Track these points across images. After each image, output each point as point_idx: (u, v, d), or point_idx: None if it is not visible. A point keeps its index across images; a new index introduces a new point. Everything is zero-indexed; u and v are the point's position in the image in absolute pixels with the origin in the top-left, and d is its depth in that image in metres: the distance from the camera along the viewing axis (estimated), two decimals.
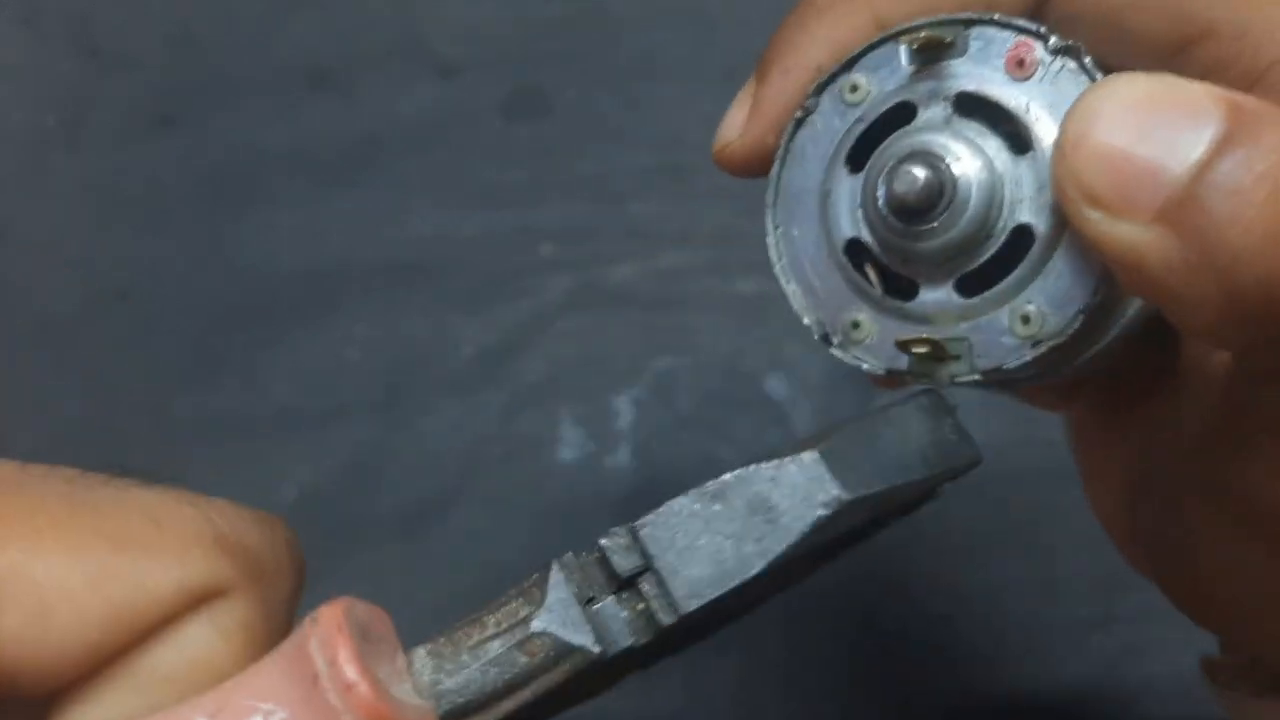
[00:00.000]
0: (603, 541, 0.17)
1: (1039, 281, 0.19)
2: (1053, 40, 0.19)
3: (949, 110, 0.20)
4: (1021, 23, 0.19)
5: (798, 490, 0.17)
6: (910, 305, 0.20)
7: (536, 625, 0.17)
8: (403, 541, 0.43)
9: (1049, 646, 0.40)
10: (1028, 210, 0.19)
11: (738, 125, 0.22)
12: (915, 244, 0.19)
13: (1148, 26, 0.21)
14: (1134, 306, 0.20)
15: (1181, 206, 0.16)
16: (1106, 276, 0.18)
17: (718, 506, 0.17)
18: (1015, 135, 0.19)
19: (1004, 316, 0.19)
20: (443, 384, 0.46)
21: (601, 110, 0.50)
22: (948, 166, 0.19)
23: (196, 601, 0.15)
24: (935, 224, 0.19)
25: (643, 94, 0.50)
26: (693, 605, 0.17)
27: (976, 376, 0.20)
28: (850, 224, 0.20)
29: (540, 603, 0.17)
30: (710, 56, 0.50)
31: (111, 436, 0.45)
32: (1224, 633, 0.25)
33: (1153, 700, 0.39)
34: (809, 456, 0.17)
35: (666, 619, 0.17)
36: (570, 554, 0.17)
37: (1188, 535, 0.21)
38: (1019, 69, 0.19)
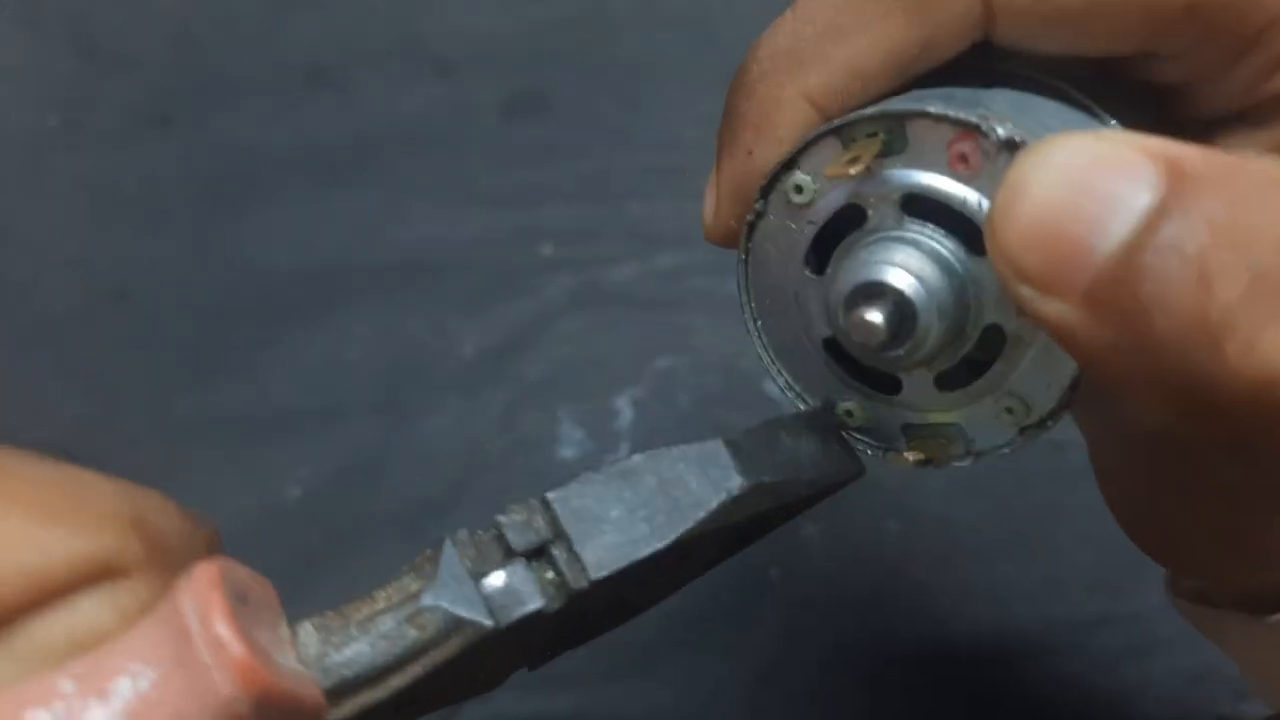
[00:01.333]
0: (499, 518, 0.17)
1: (1017, 374, 0.19)
2: (996, 134, 0.18)
3: (899, 213, 0.19)
4: (958, 115, 0.18)
5: (705, 474, 0.18)
6: (895, 399, 0.20)
7: (427, 599, 0.16)
8: (404, 541, 0.43)
9: (1051, 646, 0.40)
10: (994, 311, 0.19)
11: (710, 209, 0.23)
12: (888, 359, 0.19)
13: (1117, 25, 0.20)
14: None
15: (1107, 289, 0.15)
16: (1082, 372, 0.19)
17: (629, 482, 0.17)
18: (971, 235, 0.19)
19: (989, 408, 0.19)
20: (443, 384, 0.46)
21: (601, 111, 0.50)
22: (904, 299, 0.18)
23: (96, 577, 0.15)
24: (901, 351, 0.19)
25: (643, 94, 0.50)
26: (603, 573, 0.17)
27: (972, 459, 0.20)
28: (825, 324, 0.20)
29: (432, 577, 0.17)
30: (710, 57, 0.50)
31: (112, 436, 0.45)
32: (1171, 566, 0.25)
33: (1153, 700, 0.39)
34: (715, 444, 0.18)
35: (579, 585, 0.17)
36: (464, 530, 0.17)
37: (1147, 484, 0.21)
38: (963, 165, 0.18)
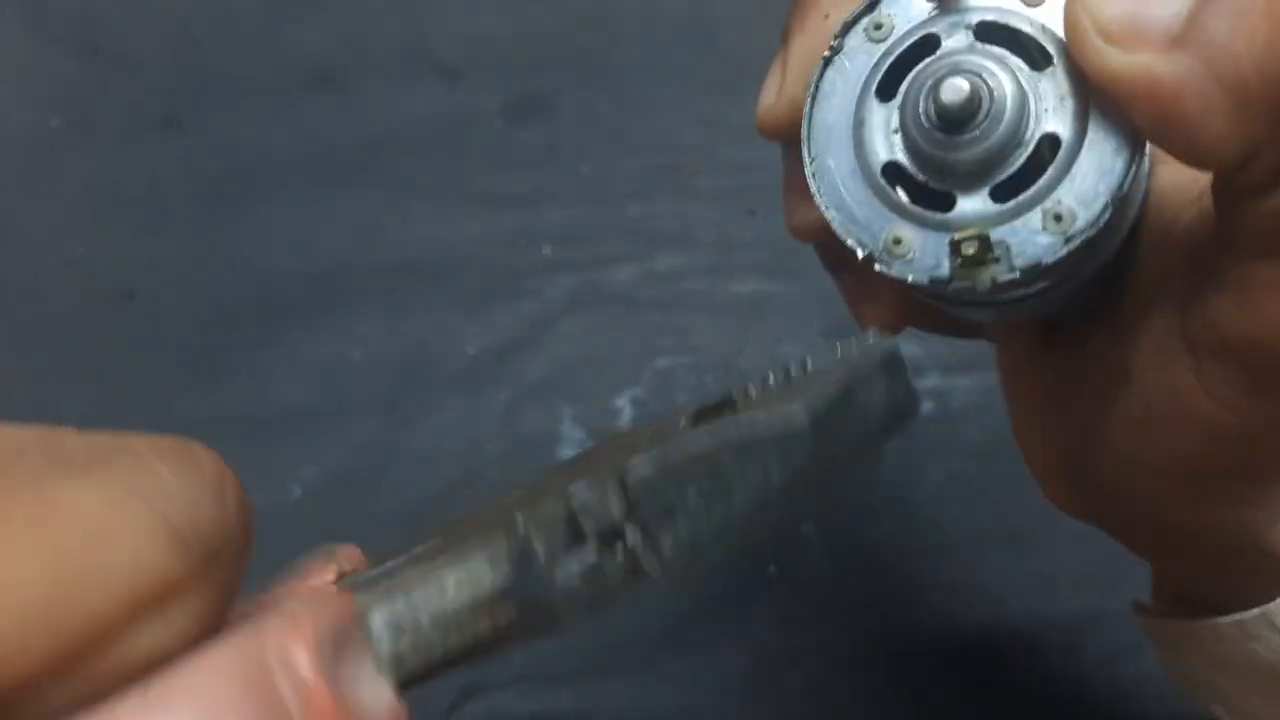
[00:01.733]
0: (571, 488, 0.16)
1: (1067, 182, 0.20)
2: None
3: (971, 38, 0.21)
4: None
5: (784, 453, 0.16)
6: (949, 216, 0.21)
7: (502, 593, 0.15)
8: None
9: (1046, 643, 0.40)
10: (1052, 119, 0.20)
11: (774, 88, 0.23)
12: (954, 154, 0.21)
13: None
14: (1111, 254, 0.22)
15: (1189, 27, 0.17)
16: (1129, 166, 0.20)
17: (705, 461, 0.16)
18: (1034, 54, 0.21)
19: (1037, 218, 0.21)
20: (445, 384, 0.46)
21: (602, 113, 0.50)
22: (985, 80, 0.20)
23: (150, 604, 0.14)
24: (977, 132, 0.20)
25: (642, 97, 0.50)
26: (680, 557, 0.16)
27: (1016, 275, 0.21)
28: (885, 148, 0.22)
29: (503, 563, 0.16)
30: (709, 61, 0.50)
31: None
32: (1164, 548, 0.26)
33: (1147, 698, 0.39)
34: (797, 408, 0.17)
35: (654, 570, 0.16)
36: (530, 512, 0.16)
37: (1139, 409, 0.22)
38: None
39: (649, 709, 0.41)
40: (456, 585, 0.16)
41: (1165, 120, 0.18)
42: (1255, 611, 0.24)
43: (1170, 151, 0.19)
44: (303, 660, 0.13)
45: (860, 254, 0.22)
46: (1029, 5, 0.21)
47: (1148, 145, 0.20)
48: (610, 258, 0.47)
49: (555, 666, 0.41)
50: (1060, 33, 0.20)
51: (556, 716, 0.41)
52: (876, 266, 0.22)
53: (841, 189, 0.22)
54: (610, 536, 0.16)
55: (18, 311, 0.48)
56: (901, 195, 0.22)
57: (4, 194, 0.50)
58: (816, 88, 0.22)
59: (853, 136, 0.22)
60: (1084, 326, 0.25)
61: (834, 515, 0.43)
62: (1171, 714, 0.39)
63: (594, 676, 0.41)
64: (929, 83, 0.21)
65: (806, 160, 0.23)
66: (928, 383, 0.44)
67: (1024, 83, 0.21)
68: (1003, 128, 0.20)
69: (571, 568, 0.15)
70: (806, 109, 0.23)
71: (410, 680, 0.15)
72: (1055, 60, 0.20)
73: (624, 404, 0.45)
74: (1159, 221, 0.23)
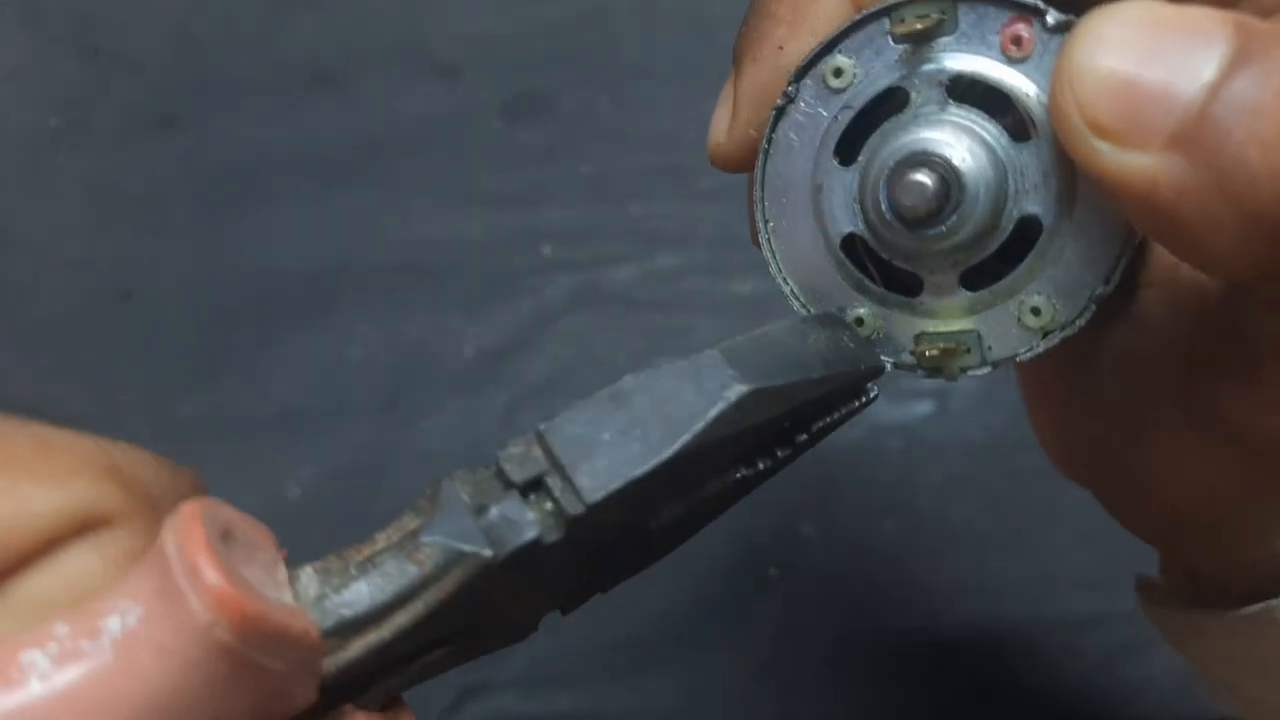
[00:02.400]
0: (499, 453, 0.17)
1: (1047, 271, 0.18)
2: (1050, 17, 0.18)
3: (944, 96, 0.18)
4: None
5: (700, 384, 0.17)
6: (915, 301, 0.19)
7: (425, 534, 0.16)
8: None
9: (1046, 644, 0.41)
10: (1033, 200, 0.18)
11: (724, 123, 0.21)
12: (921, 245, 0.19)
13: None
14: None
15: (1196, 129, 0.15)
16: (1119, 259, 0.18)
17: (621, 403, 0.17)
18: (1015, 121, 0.18)
19: (1013, 308, 0.19)
20: (444, 384, 0.46)
21: (601, 112, 0.50)
22: (954, 169, 0.18)
23: (80, 528, 0.15)
24: (943, 228, 0.18)
25: (642, 96, 0.50)
26: (598, 495, 0.16)
27: (988, 369, 0.19)
28: (847, 219, 0.19)
29: (430, 513, 0.16)
30: (709, 58, 0.50)
31: (113, 436, 0.45)
32: (1164, 541, 0.25)
33: (1149, 698, 0.39)
34: (709, 353, 0.17)
35: (575, 510, 0.16)
36: (464, 469, 0.17)
37: (1143, 451, 0.21)
38: (1015, 48, 0.18)
39: (649, 709, 0.41)
40: (385, 537, 0.16)
41: (1163, 228, 0.16)
42: (1258, 607, 0.23)
43: (1171, 253, 0.17)
44: (196, 546, 0.14)
45: None
46: (1011, 61, 0.18)
47: (1138, 238, 0.18)
48: (610, 257, 0.47)
49: (555, 667, 0.41)
50: (1047, 95, 0.17)
51: (556, 717, 0.41)
52: None
53: (800, 259, 0.20)
54: (534, 487, 0.16)
55: (17, 311, 0.48)
56: (863, 273, 0.20)
57: (3, 194, 0.50)
58: (769, 140, 0.20)
59: (812, 200, 0.20)
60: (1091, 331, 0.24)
61: (834, 515, 0.43)
62: (1173, 715, 0.39)
63: (593, 677, 0.41)
64: (890, 167, 0.18)
65: (760, 223, 0.21)
66: (928, 383, 0.44)
67: (1002, 158, 0.18)
68: (973, 219, 0.18)
69: (494, 513, 0.16)
70: (759, 164, 0.20)
71: (344, 627, 0.15)
72: (1039, 130, 0.18)
73: None
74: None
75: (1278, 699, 0.25)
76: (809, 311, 0.20)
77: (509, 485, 0.16)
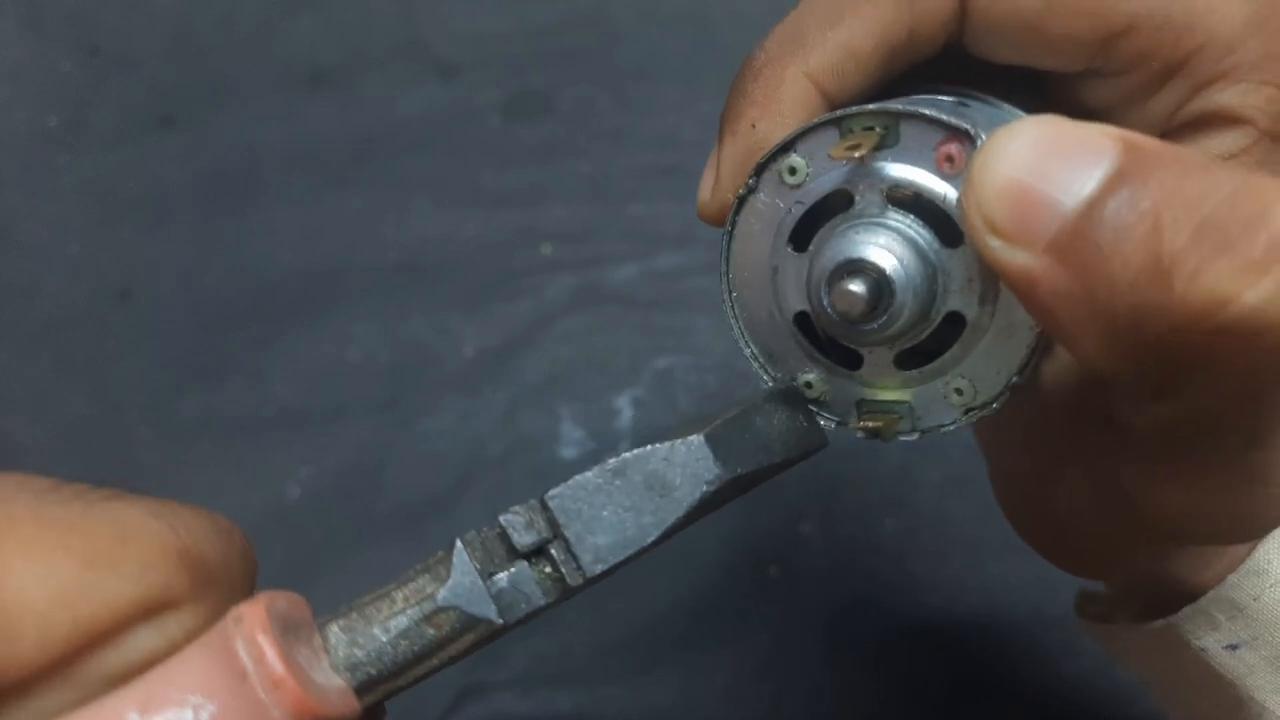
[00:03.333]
0: (502, 518, 0.19)
1: (969, 360, 0.21)
2: (979, 140, 0.20)
3: (883, 200, 0.21)
4: (950, 121, 0.20)
5: (687, 469, 0.19)
6: (856, 373, 0.22)
7: (443, 600, 0.18)
8: (405, 539, 0.43)
9: (1044, 644, 0.41)
10: (958, 299, 0.20)
11: (709, 186, 0.24)
12: (857, 334, 0.21)
13: (1068, 29, 0.22)
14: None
15: (1069, 239, 0.17)
16: (1030, 357, 0.20)
17: (618, 482, 0.19)
18: (946, 228, 0.20)
19: (939, 387, 0.21)
20: (444, 383, 0.46)
21: (601, 112, 0.50)
22: (886, 276, 0.20)
23: (149, 612, 0.16)
24: (875, 326, 0.20)
25: (642, 96, 0.50)
26: (598, 569, 0.19)
27: (918, 435, 0.22)
28: (798, 299, 0.22)
29: (445, 579, 0.18)
30: (708, 58, 0.50)
31: (115, 435, 0.46)
32: (1077, 570, 0.27)
33: (1148, 699, 0.39)
34: (696, 440, 0.19)
35: (575, 581, 0.19)
36: (473, 531, 0.19)
37: (1052, 499, 0.23)
38: (948, 165, 0.20)
39: (648, 709, 0.41)
40: (403, 598, 0.18)
41: (1043, 320, 0.18)
42: (1161, 623, 0.25)
43: (1053, 339, 0.19)
44: (270, 655, 0.16)
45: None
46: (944, 176, 0.20)
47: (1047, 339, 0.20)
48: (610, 257, 0.47)
49: (554, 667, 0.41)
50: None
51: (555, 716, 0.41)
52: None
53: (758, 325, 0.23)
54: (536, 553, 0.19)
55: (16, 311, 0.48)
56: (814, 345, 0.22)
57: (3, 194, 0.50)
58: (734, 223, 0.23)
59: (769, 280, 0.22)
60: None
61: (834, 515, 0.43)
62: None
63: (593, 677, 0.41)
64: (829, 270, 0.20)
65: (726, 294, 0.23)
66: None
67: (933, 259, 0.20)
68: (904, 318, 0.20)
69: (502, 580, 0.18)
70: (724, 244, 0.23)
71: (371, 684, 0.18)
72: (966, 238, 0.20)
73: (624, 404, 0.45)
74: None
75: (1195, 700, 0.27)
76: (768, 373, 0.23)
77: (514, 552, 0.19)
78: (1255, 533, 0.22)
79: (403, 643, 0.18)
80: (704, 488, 0.19)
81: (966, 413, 0.21)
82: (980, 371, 0.21)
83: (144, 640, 0.16)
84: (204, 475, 0.45)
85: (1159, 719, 0.40)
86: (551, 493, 0.19)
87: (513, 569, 0.18)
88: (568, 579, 0.19)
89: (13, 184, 0.50)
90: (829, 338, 0.22)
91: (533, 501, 0.19)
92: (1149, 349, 0.17)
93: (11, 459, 0.46)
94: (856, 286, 0.20)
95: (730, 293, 0.23)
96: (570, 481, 0.19)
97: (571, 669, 0.41)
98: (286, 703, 0.16)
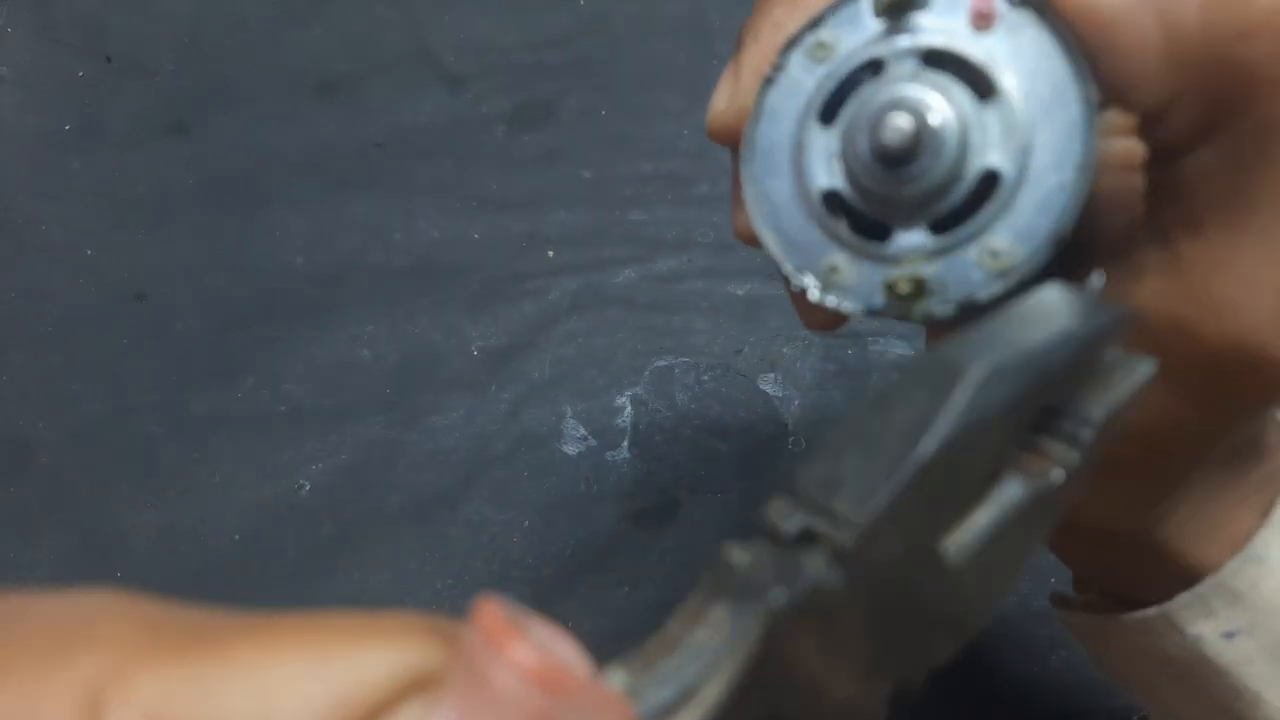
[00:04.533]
0: (758, 516, 0.16)
1: (1006, 218, 0.20)
2: None
3: (917, 64, 0.20)
4: None
5: (930, 383, 0.16)
6: (885, 247, 0.21)
7: (712, 607, 0.16)
8: (413, 533, 0.44)
9: (1036, 636, 0.41)
10: (994, 153, 0.19)
11: (725, 96, 0.23)
12: (894, 189, 0.20)
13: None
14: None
15: None
16: (1068, 209, 0.19)
17: (857, 434, 0.16)
18: (980, 84, 0.20)
19: (973, 252, 0.20)
20: (451, 382, 0.46)
21: (603, 120, 0.50)
22: (926, 115, 0.19)
23: (413, 687, 0.15)
24: (915, 169, 0.19)
25: (643, 104, 0.50)
26: (863, 518, 0.15)
27: (950, 310, 0.20)
28: (825, 174, 0.21)
29: (712, 586, 0.16)
30: (708, 68, 0.51)
31: (130, 434, 0.46)
32: (1073, 555, 0.27)
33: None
34: (925, 355, 0.16)
35: (845, 540, 0.15)
36: (735, 540, 0.16)
37: None
38: (981, 22, 0.20)
39: None
40: (677, 623, 0.16)
41: (1101, 43, 0.18)
42: (1153, 611, 0.25)
43: (1102, 83, 0.19)
44: (511, 643, 0.13)
45: (795, 282, 0.21)
46: (978, 31, 0.20)
47: (1090, 182, 0.19)
48: (611, 260, 0.47)
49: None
50: (1010, 62, 0.19)
51: None
52: (810, 294, 0.21)
53: (780, 213, 0.21)
54: (804, 536, 0.16)
55: (32, 313, 0.48)
56: (840, 223, 0.21)
57: (17, 197, 0.50)
58: (759, 107, 0.22)
59: (793, 160, 0.21)
60: None
61: None
62: None
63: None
64: (869, 117, 0.20)
65: (745, 181, 0.22)
66: None
67: (967, 115, 0.20)
68: (942, 164, 0.19)
69: (771, 570, 0.15)
70: (747, 128, 0.22)
71: (660, 713, 0.15)
72: (1001, 92, 0.20)
73: (624, 402, 0.45)
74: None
75: (1176, 697, 0.26)
76: (789, 260, 0.21)
77: (779, 542, 0.16)
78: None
79: (679, 659, 0.15)
80: (960, 391, 0.15)
81: (1002, 276, 0.20)
82: (1018, 229, 0.19)
83: (411, 716, 0.15)
84: (217, 471, 0.45)
85: (1143, 711, 0.40)
86: (796, 473, 0.16)
87: (779, 559, 0.16)
88: (840, 543, 0.15)
89: (27, 188, 0.51)
90: (856, 213, 0.21)
91: (782, 491, 0.16)
92: (1211, 64, 0.17)
93: (26, 458, 0.46)
94: (901, 120, 0.19)
95: (750, 181, 0.22)
96: (809, 457, 0.16)
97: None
98: (531, 675, 0.13)
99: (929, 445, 0.15)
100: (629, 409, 0.45)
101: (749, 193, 0.22)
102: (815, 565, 0.15)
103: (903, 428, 0.15)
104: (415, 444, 0.45)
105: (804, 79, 0.21)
